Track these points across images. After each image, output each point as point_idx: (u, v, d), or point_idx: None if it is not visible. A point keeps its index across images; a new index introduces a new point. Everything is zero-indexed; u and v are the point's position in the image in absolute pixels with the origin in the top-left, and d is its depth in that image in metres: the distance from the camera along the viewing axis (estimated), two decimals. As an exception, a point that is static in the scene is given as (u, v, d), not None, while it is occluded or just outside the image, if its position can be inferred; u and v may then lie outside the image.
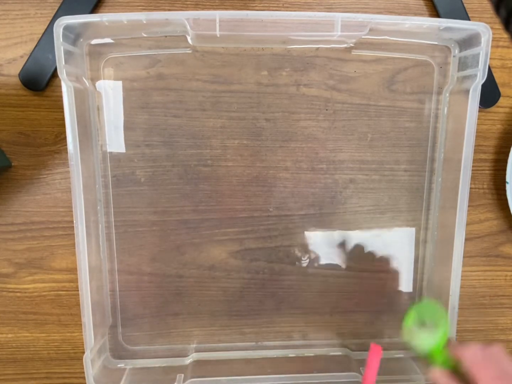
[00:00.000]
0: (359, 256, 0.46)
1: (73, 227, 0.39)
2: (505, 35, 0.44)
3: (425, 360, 0.38)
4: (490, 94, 0.44)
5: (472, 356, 0.35)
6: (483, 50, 0.38)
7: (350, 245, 0.46)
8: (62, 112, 0.37)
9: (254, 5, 0.42)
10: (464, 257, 0.42)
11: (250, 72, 0.42)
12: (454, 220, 0.42)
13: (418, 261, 0.47)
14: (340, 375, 0.43)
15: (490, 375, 0.33)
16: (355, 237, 0.46)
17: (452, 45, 0.43)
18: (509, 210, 0.45)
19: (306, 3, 0.43)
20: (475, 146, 0.40)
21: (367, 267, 0.46)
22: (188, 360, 0.46)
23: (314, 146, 0.44)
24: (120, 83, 0.41)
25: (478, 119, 0.40)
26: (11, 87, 0.42)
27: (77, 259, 0.39)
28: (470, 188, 0.41)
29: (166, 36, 0.41)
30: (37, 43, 0.40)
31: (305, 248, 0.45)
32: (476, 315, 0.49)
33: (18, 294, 0.45)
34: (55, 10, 0.40)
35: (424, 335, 0.37)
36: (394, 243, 0.46)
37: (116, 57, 0.41)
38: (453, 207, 0.42)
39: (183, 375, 0.43)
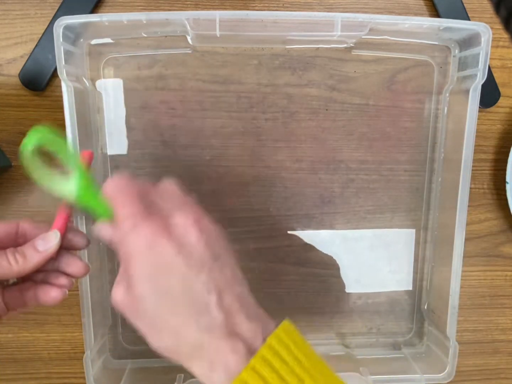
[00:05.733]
0: (359, 255, 0.46)
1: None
2: (505, 35, 0.44)
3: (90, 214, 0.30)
4: (490, 94, 0.44)
5: (113, 187, 0.28)
6: (483, 50, 0.38)
7: (350, 245, 0.46)
8: (62, 112, 0.37)
9: (254, 5, 0.42)
10: (464, 257, 0.42)
11: (250, 72, 0.42)
12: (454, 220, 0.41)
13: (418, 261, 0.47)
14: (340, 375, 0.43)
15: (128, 208, 0.27)
16: (355, 237, 0.46)
17: (452, 45, 0.43)
18: (509, 210, 0.45)
19: (306, 3, 0.43)
20: (475, 146, 0.40)
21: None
22: (188, 360, 0.46)
23: (314, 146, 0.44)
24: (120, 83, 0.41)
25: (478, 119, 0.40)
26: (11, 87, 0.42)
27: (77, 259, 0.39)
28: (470, 188, 0.41)
29: (166, 36, 0.41)
30: (37, 43, 0.40)
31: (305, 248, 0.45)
32: (476, 315, 0.49)
33: (18, 294, 0.45)
34: (55, 10, 0.40)
35: (59, 180, 0.29)
36: (394, 243, 0.46)
37: (116, 57, 0.41)
38: (453, 207, 0.42)
39: (183, 375, 0.43)
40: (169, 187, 0.30)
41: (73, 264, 0.32)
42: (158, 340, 0.27)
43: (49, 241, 0.30)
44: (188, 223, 0.27)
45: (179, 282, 0.26)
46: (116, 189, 0.29)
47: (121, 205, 0.28)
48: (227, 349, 0.25)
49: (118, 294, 0.27)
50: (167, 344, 0.27)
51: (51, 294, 0.31)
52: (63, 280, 0.32)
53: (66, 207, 0.31)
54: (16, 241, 0.31)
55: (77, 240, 0.32)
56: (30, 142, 0.27)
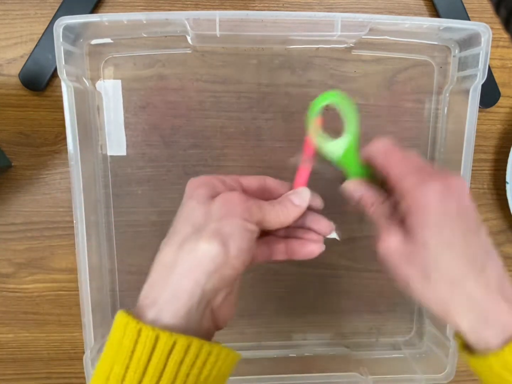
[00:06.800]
0: (360, 255, 0.46)
1: (73, 227, 0.39)
2: (505, 35, 0.44)
3: (341, 172, 0.33)
4: (490, 94, 0.44)
5: (382, 148, 0.30)
6: (483, 50, 0.38)
7: (350, 244, 0.46)
8: (62, 112, 0.37)
9: (254, 5, 0.42)
10: (464, 257, 0.42)
11: (250, 72, 0.42)
12: (454, 220, 0.41)
13: (418, 261, 0.47)
14: (340, 375, 0.43)
15: (406, 166, 0.28)
16: (355, 237, 0.46)
17: (452, 45, 0.43)
18: (509, 210, 0.45)
19: (306, 3, 0.43)
20: (475, 146, 0.40)
21: (367, 267, 0.46)
22: (188, 360, 0.46)
23: (314, 146, 0.44)
24: (120, 83, 0.41)
25: (478, 119, 0.40)
26: (11, 87, 0.42)
27: (77, 259, 0.39)
28: (470, 188, 0.41)
29: (166, 36, 0.41)
30: (37, 43, 0.40)
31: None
32: (476, 315, 0.49)
33: (18, 294, 0.45)
34: (55, 10, 0.40)
35: (330, 141, 0.32)
36: (394, 243, 0.46)
37: (116, 57, 0.41)
38: (453, 207, 0.42)
39: (183, 375, 0.43)
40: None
41: (320, 222, 0.33)
42: (431, 291, 0.28)
43: (302, 196, 0.31)
44: (464, 186, 0.28)
45: (461, 236, 0.27)
46: (387, 149, 0.30)
47: (399, 162, 0.29)
48: (505, 310, 0.26)
49: (393, 241, 0.28)
50: (440, 294, 0.27)
51: (310, 247, 0.32)
52: (314, 236, 0.32)
53: (306, 166, 0.32)
54: (263, 195, 0.32)
55: (315, 200, 0.33)
56: (321, 101, 0.32)
